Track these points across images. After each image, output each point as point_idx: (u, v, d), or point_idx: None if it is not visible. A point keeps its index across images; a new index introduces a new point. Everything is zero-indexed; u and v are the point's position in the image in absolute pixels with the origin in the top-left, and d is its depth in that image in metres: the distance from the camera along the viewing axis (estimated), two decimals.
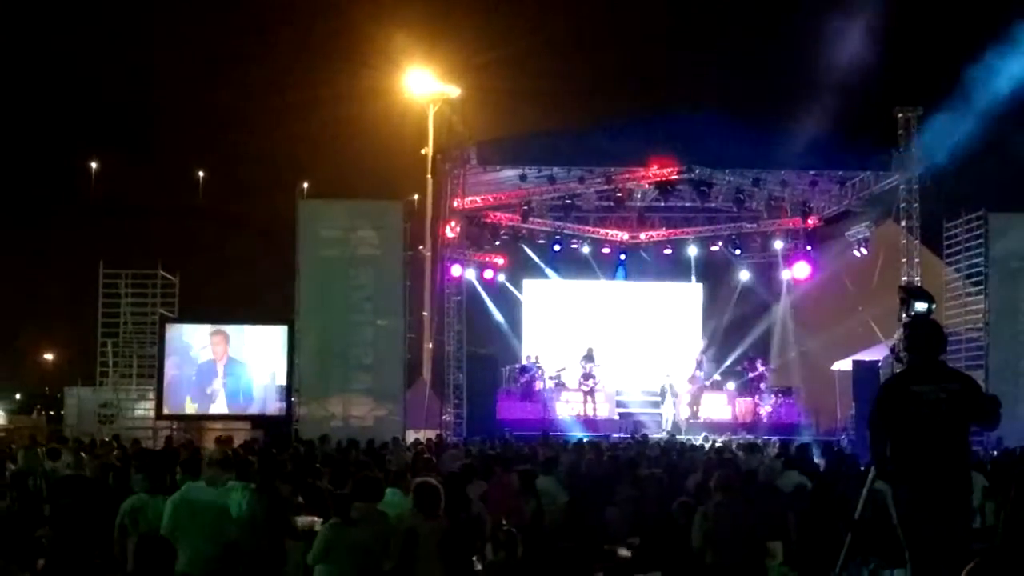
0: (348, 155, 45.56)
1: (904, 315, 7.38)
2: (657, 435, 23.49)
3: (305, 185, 27.99)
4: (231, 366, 24.93)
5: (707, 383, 28.62)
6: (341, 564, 8.63)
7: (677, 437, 22.94)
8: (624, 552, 11.10)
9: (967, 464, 7.46)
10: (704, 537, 9.34)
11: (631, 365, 30.25)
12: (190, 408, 25.15)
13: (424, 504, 8.79)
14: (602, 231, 32.19)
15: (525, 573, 9.40)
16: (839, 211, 29.78)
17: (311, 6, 51.90)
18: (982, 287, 24.93)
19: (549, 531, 10.91)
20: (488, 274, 31.09)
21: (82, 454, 16.18)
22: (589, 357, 28.30)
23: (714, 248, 31.88)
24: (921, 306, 7.36)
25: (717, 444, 19.16)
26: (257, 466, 11.10)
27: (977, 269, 24.97)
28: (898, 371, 7.45)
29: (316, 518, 10.09)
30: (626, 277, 32.69)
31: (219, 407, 24.89)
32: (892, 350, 7.50)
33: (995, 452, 18.68)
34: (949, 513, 7.00)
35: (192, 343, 25.18)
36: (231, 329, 25.33)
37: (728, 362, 30.50)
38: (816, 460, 15.99)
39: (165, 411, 25.14)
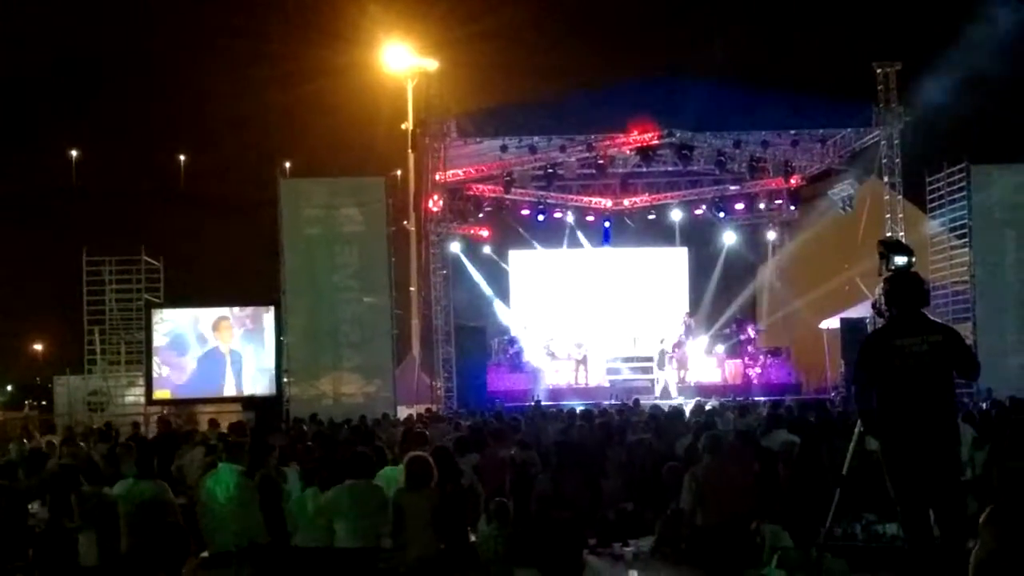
0: (329, 132, 45.63)
1: (884, 269, 7.37)
2: (649, 400, 23.51)
3: (287, 164, 27.94)
4: (233, 354, 24.68)
5: (695, 346, 28.61)
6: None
7: (668, 401, 22.98)
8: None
9: (954, 415, 7.45)
10: (694, 499, 9.38)
11: (620, 331, 30.27)
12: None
13: (414, 477, 8.83)
14: (585, 199, 32.12)
15: (519, 543, 9.43)
16: (822, 169, 29.81)
17: None
18: (966, 239, 24.94)
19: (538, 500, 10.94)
20: (473, 246, 31.07)
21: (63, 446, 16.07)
22: (578, 324, 28.36)
23: (698, 212, 31.90)
24: (900, 259, 7.34)
25: (707, 408, 19.14)
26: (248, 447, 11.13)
27: (961, 222, 24.97)
28: (880, 325, 7.44)
29: None
30: (611, 244, 32.66)
31: (229, 390, 24.66)
32: (873, 305, 7.47)
33: (984, 404, 18.73)
34: (937, 465, 7.00)
35: (188, 334, 24.64)
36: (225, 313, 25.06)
37: (716, 325, 30.53)
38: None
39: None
